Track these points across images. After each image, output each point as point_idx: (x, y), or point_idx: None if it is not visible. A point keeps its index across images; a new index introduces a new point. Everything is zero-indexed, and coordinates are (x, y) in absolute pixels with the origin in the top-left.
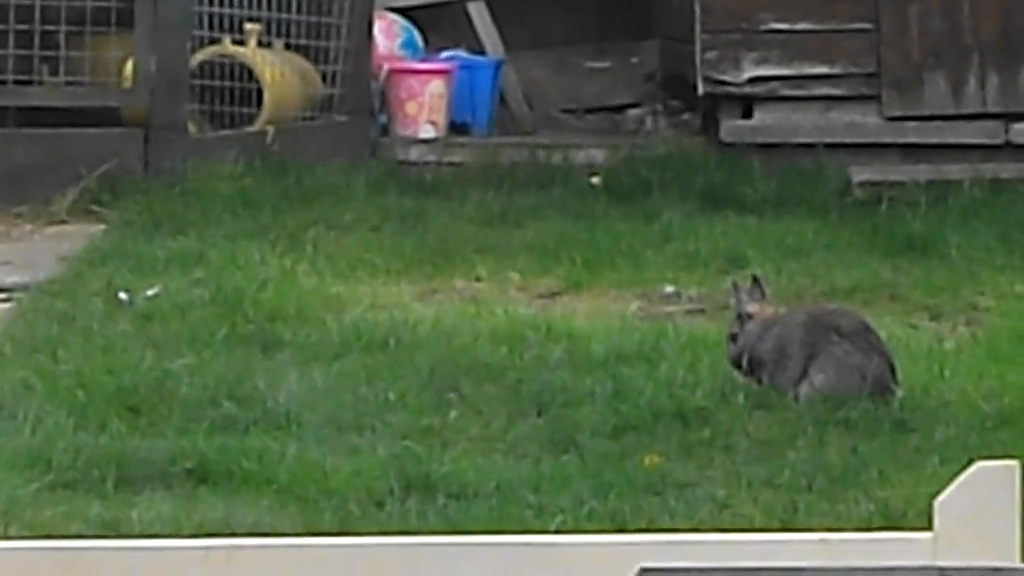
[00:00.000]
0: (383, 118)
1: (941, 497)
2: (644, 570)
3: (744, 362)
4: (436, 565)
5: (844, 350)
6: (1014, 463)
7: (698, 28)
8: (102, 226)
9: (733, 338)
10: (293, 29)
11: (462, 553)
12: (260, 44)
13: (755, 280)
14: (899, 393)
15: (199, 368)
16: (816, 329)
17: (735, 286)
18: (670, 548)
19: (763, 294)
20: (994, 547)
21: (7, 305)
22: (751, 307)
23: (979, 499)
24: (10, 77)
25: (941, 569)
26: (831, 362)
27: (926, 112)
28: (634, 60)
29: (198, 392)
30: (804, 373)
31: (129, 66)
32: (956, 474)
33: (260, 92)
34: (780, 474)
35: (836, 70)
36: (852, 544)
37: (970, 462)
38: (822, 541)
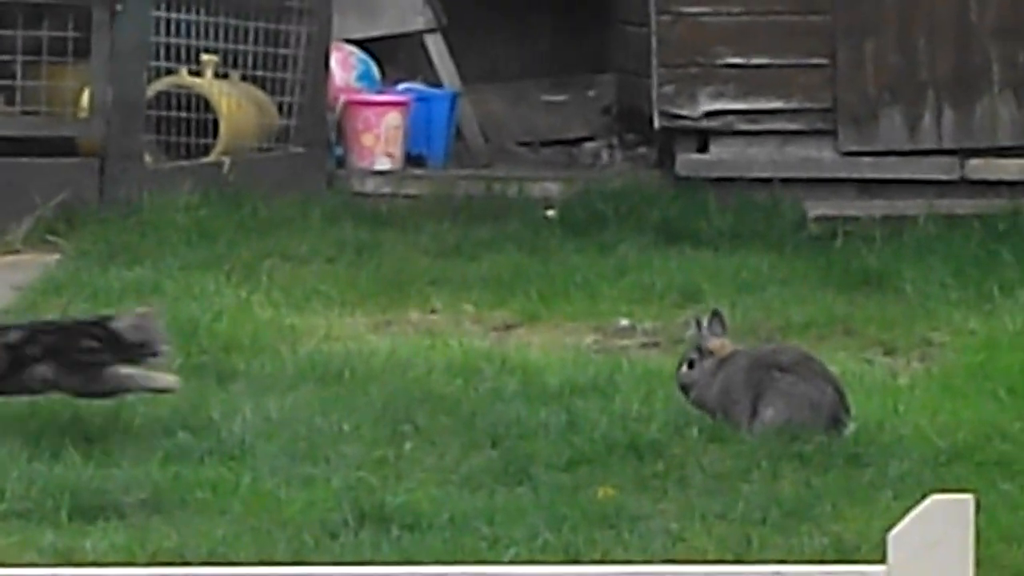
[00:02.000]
0: (339, 150)
1: (895, 530)
2: None
3: (691, 398)
4: None
5: (788, 382)
6: (968, 497)
7: (654, 62)
8: (57, 256)
9: (690, 364)
10: (250, 60)
11: None
12: (216, 75)
13: (715, 314)
14: (850, 424)
15: (153, 398)
16: (758, 368)
17: (697, 322)
18: None
19: (724, 329)
20: None
21: None
22: (712, 343)
23: (933, 532)
24: None
25: None
26: (777, 395)
27: (881, 147)
28: (590, 93)
29: (152, 422)
30: (754, 412)
31: (85, 96)
32: (910, 508)
33: (216, 123)
34: (734, 507)
35: (792, 105)
36: None
37: (924, 496)
38: (776, 574)
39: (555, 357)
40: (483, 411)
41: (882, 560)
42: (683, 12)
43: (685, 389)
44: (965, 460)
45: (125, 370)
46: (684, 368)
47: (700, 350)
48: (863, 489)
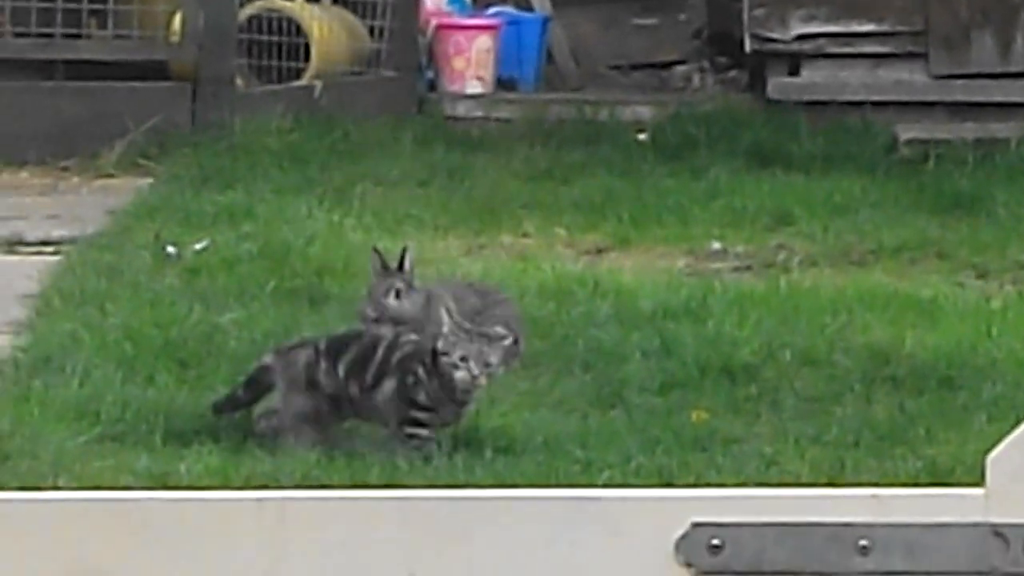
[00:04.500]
0: (430, 74)
1: (993, 453)
2: (695, 525)
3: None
4: (484, 518)
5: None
6: None
7: None
8: (149, 180)
9: (397, 294)
10: None
11: (511, 507)
12: None
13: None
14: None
15: (247, 322)
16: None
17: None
18: (720, 503)
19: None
20: None
21: (55, 258)
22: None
23: None
24: (59, 30)
25: (994, 525)
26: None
27: (973, 70)
28: (681, 17)
29: (246, 346)
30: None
31: (177, 20)
32: (1004, 431)
33: (307, 47)
34: (827, 431)
35: (884, 28)
36: (903, 500)
37: (1018, 419)
38: (873, 497)
39: (647, 281)
40: (576, 335)
41: (979, 483)
42: None
43: (395, 320)
44: None
45: None
46: (391, 299)
47: (406, 281)
48: (956, 412)
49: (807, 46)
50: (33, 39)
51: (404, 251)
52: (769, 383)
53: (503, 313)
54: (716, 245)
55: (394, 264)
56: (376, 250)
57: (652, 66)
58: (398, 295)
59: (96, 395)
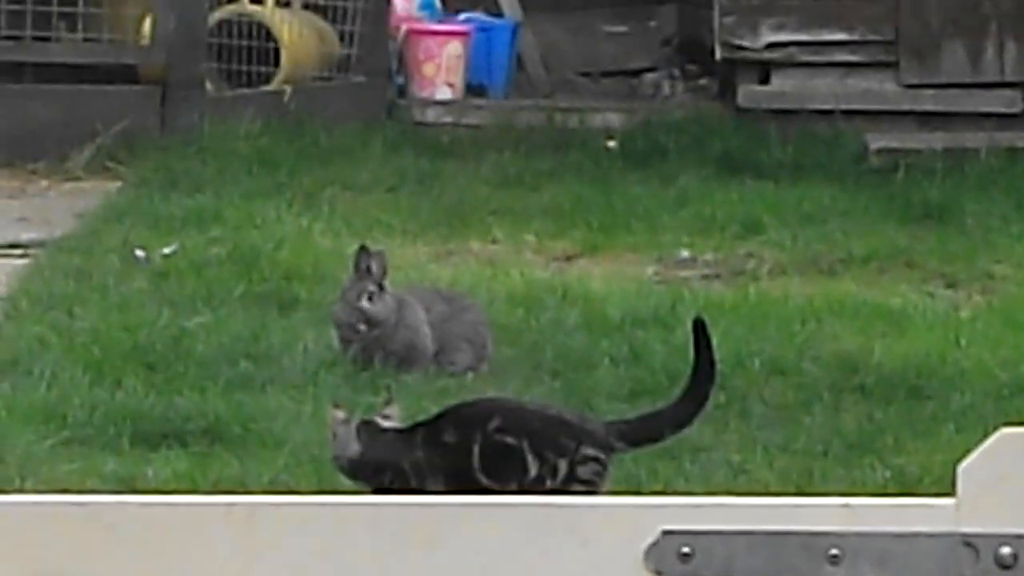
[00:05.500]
0: (400, 79)
1: (964, 463)
2: (665, 533)
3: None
4: (454, 526)
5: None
6: None
7: None
8: (118, 183)
9: (371, 297)
10: None
11: (481, 514)
12: (278, 3)
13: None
14: None
15: (215, 326)
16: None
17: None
18: (691, 511)
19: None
20: (1018, 514)
21: (23, 261)
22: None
23: (1003, 465)
24: (28, 33)
25: (964, 535)
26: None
27: (944, 80)
28: (652, 24)
29: (214, 350)
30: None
31: (147, 24)
32: (973, 442)
33: (277, 51)
34: (796, 439)
35: (854, 36)
36: (874, 509)
37: (986, 429)
38: (845, 506)
39: (616, 288)
40: (545, 342)
41: (950, 493)
42: None
43: (369, 323)
44: None
45: None
46: (364, 302)
47: (379, 284)
48: (925, 422)
49: (777, 54)
50: (2, 41)
51: (377, 255)
52: (738, 391)
53: (471, 319)
54: (685, 253)
55: (365, 267)
56: (364, 248)
57: (622, 73)
58: (371, 298)
59: (63, 398)
